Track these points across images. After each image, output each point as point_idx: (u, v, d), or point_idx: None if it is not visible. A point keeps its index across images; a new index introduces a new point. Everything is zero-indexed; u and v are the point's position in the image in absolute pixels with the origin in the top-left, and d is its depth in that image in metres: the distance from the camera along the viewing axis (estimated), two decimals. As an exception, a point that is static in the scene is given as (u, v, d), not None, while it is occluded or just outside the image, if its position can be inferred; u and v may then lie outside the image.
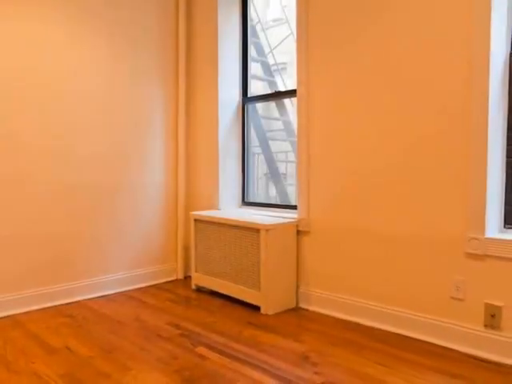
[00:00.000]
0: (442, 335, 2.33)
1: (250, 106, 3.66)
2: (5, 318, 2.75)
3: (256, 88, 3.94)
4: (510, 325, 2.11)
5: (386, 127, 2.55)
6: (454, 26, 2.25)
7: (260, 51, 4.18)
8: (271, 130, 4.22)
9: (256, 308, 2.89)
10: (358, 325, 2.65)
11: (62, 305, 3.00)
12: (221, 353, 2.25)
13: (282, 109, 4.07)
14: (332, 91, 2.79)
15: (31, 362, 2.15)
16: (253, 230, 2.89)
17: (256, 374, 2.02)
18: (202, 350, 2.30)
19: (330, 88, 2.80)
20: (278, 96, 3.61)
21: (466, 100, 2.22)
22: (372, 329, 2.58)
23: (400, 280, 2.51)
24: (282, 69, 4.49)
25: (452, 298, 2.31)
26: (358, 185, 2.69)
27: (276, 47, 4.47)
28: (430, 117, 2.36)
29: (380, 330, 2.56)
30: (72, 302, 3.06)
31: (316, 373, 2.03)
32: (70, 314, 2.83)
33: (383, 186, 2.57)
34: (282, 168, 4.24)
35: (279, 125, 4.21)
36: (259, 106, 3.78)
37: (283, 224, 2.92)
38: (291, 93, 3.31)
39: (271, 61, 4.30)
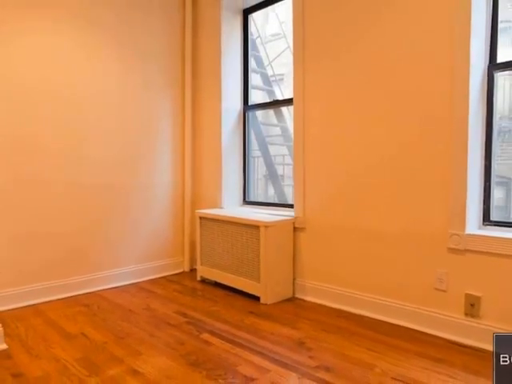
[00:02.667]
0: (426, 323, 2.33)
1: (250, 114, 3.66)
2: (27, 307, 2.75)
3: (256, 97, 3.94)
4: (488, 313, 2.11)
5: (374, 132, 2.55)
6: (438, 40, 2.25)
7: (260, 63, 4.18)
8: (270, 136, 4.22)
9: (256, 298, 2.89)
10: (349, 313, 2.64)
11: (78, 295, 3.00)
12: (224, 339, 2.26)
13: (279, 116, 4.07)
14: (325, 99, 2.79)
15: (50, 347, 2.16)
16: (253, 226, 2.89)
17: (256, 359, 2.02)
18: (206, 336, 2.30)
19: (324, 97, 2.80)
20: (276, 104, 3.61)
21: (448, 107, 2.22)
22: (363, 317, 2.58)
23: (388, 273, 2.51)
24: (280, 79, 4.49)
25: (435, 289, 2.30)
26: (349, 185, 2.69)
27: (274, 60, 4.46)
28: (415, 122, 2.36)
29: (370, 318, 2.56)
30: (88, 293, 3.06)
31: (311, 357, 2.04)
32: (86, 304, 2.83)
33: (372, 187, 2.57)
34: (279, 170, 4.24)
35: (277, 130, 4.21)
36: (259, 113, 3.78)
37: (281, 221, 2.92)
38: (288, 101, 3.31)
39: (270, 72, 4.30)
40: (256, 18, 3.80)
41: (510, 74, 2.33)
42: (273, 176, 4.01)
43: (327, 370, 1.90)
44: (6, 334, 2.24)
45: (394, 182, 2.47)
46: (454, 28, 2.18)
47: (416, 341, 2.21)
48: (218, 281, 3.22)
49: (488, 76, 2.22)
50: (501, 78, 2.26)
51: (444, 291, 2.27)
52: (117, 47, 3.18)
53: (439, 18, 2.24)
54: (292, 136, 3.03)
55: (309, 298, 2.92)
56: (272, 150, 4.03)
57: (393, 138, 2.46)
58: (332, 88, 2.75)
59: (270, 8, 3.64)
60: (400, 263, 2.45)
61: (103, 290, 3.14)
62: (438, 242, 2.29)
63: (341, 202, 2.74)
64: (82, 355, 2.07)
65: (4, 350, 2.11)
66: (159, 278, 3.50)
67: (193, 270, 3.68)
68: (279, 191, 3.98)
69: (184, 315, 2.61)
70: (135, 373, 1.89)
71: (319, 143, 2.84)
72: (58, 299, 2.91)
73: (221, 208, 3.51)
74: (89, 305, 2.81)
